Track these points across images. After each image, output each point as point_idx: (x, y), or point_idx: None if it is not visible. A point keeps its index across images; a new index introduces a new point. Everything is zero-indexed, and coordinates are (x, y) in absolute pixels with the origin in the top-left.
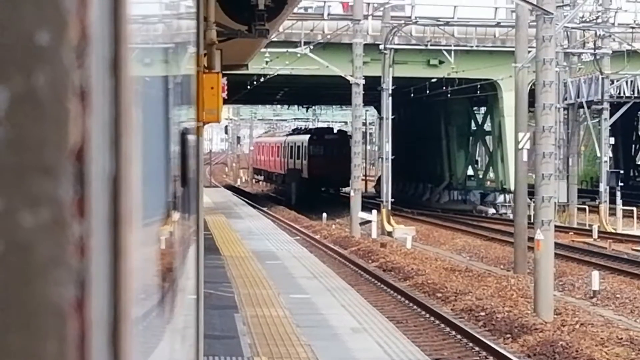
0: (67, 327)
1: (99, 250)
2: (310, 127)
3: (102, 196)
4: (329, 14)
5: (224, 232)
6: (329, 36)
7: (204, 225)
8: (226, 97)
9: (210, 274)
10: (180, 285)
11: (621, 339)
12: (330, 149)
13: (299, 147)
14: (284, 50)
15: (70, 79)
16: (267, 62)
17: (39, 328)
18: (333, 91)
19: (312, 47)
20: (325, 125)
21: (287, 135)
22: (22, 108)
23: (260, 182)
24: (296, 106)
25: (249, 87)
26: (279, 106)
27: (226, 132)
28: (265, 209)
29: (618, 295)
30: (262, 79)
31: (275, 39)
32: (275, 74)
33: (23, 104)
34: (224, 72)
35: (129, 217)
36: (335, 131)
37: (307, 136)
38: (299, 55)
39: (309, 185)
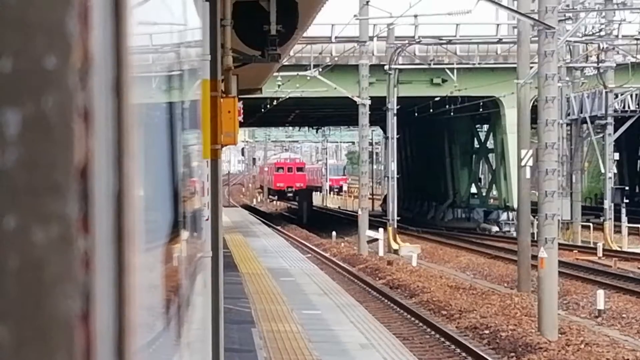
0: (75, 338)
1: (104, 264)
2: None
3: (106, 213)
4: (336, 37)
5: (242, 250)
6: (336, 58)
7: (223, 243)
8: (242, 121)
9: (229, 290)
10: (186, 299)
11: None
12: (289, 171)
13: (269, 169)
14: (295, 73)
15: (74, 100)
16: (279, 86)
17: (50, 340)
18: (341, 112)
19: (321, 69)
20: (334, 144)
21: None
22: (32, 130)
23: (275, 202)
24: (307, 128)
25: (262, 110)
26: (290, 128)
27: (243, 154)
28: (279, 227)
29: (624, 315)
30: (274, 102)
31: (286, 63)
32: (287, 96)
33: (34, 126)
34: (240, 96)
35: (132, 233)
36: (294, 158)
37: (275, 161)
38: (308, 77)
39: (275, 193)
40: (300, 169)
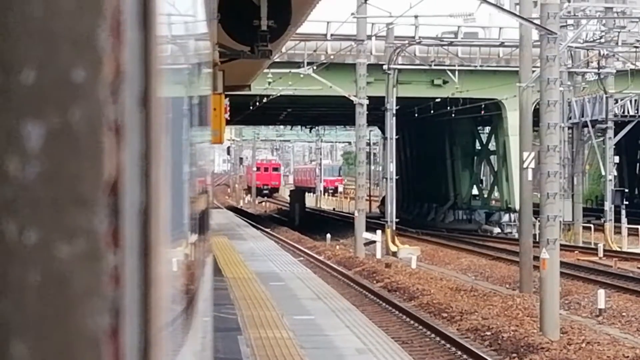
0: (103, 355)
1: (132, 279)
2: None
3: (135, 227)
4: (332, 35)
5: (227, 253)
6: (332, 56)
7: None
8: (229, 118)
9: (213, 295)
10: (200, 307)
11: (627, 357)
12: (265, 171)
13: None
14: (287, 70)
15: (105, 114)
16: (269, 83)
17: (76, 357)
18: (337, 111)
19: (315, 67)
20: (329, 144)
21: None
22: (58, 143)
23: (263, 203)
24: (300, 127)
25: (251, 107)
26: (282, 127)
27: (228, 153)
28: (268, 230)
29: (624, 314)
30: (264, 100)
31: (278, 60)
32: (278, 94)
33: (60, 139)
34: (226, 92)
35: (159, 246)
36: (270, 159)
37: (258, 161)
38: (302, 75)
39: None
40: (275, 169)
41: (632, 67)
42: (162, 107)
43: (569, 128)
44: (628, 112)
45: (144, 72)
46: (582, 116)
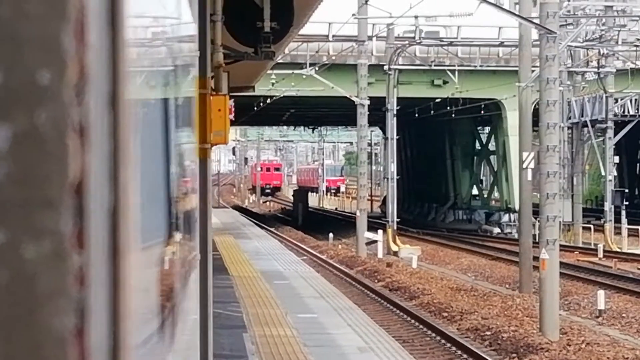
0: (68, 355)
1: (98, 280)
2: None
3: (101, 228)
4: (333, 36)
5: (233, 252)
6: (334, 57)
7: (212, 245)
8: (233, 119)
9: (219, 294)
10: (180, 307)
11: (627, 358)
12: (267, 171)
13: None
14: (290, 71)
15: (70, 116)
16: (273, 84)
17: (42, 356)
18: (338, 112)
19: (317, 68)
20: (332, 144)
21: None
22: (24, 145)
23: (268, 203)
24: (302, 127)
25: (255, 108)
26: (285, 127)
27: (234, 154)
28: (272, 229)
29: (624, 315)
30: (268, 101)
31: (281, 61)
32: (282, 95)
33: (25, 141)
34: (231, 94)
35: (128, 247)
36: (272, 160)
37: (260, 162)
38: (304, 76)
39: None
40: (277, 169)
41: (632, 66)
42: (131, 108)
43: (568, 128)
44: (628, 112)
45: (111, 74)
46: (582, 116)
